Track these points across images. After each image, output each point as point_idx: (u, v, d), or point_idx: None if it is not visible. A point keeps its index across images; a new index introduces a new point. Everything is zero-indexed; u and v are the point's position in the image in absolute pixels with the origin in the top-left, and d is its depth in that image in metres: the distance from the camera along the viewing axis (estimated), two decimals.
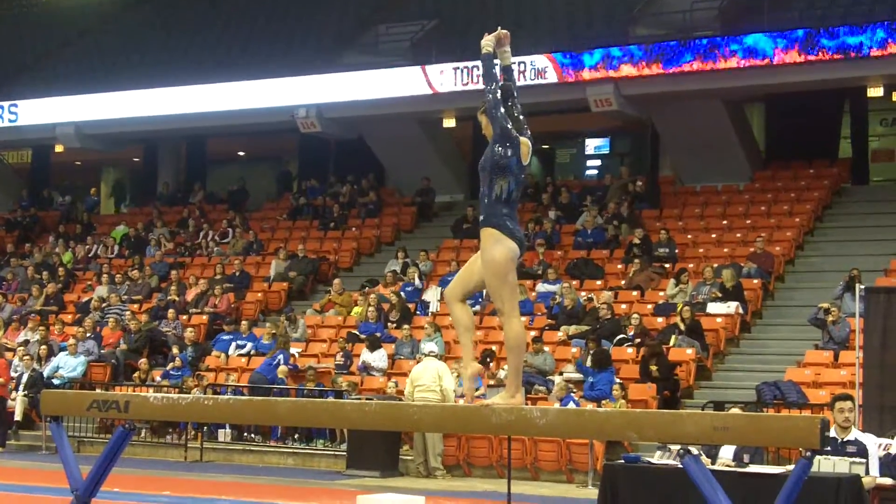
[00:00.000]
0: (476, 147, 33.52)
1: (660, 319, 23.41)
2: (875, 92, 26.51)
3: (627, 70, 26.71)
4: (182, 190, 36.30)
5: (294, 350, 24.40)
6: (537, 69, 27.09)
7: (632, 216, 27.69)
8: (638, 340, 22.39)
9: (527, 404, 18.60)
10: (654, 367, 20.94)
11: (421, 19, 31.35)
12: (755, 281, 24.45)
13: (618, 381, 20.61)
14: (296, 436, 22.44)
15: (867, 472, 12.04)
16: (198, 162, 37.83)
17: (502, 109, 8.13)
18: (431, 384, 19.63)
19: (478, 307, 25.03)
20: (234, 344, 25.48)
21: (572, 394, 20.27)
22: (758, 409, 18.98)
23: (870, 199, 28.20)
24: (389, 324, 25.16)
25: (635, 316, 23.01)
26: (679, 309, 22.90)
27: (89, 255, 32.54)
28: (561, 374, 21.56)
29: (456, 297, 8.31)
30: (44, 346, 25.86)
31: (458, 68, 27.97)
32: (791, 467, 8.89)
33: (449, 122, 30.24)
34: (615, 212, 27.94)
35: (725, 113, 27.88)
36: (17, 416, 24.37)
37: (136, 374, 24.85)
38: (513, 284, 8.09)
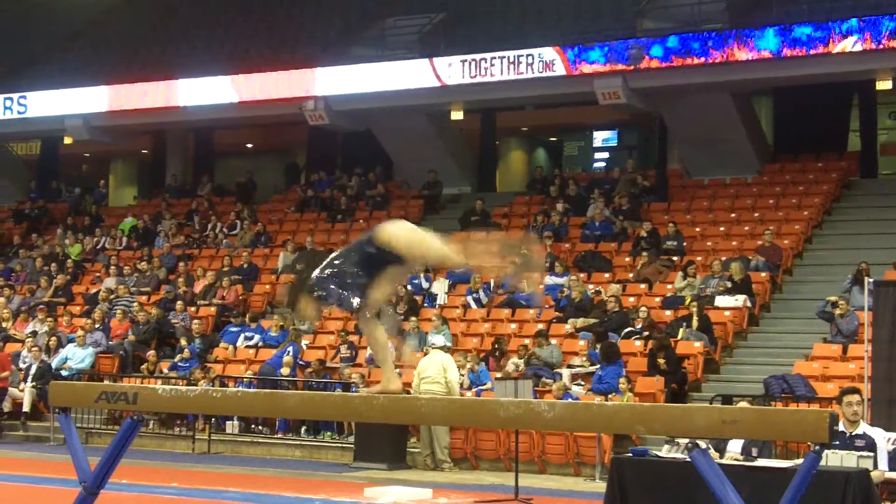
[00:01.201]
0: (484, 140, 33.60)
1: (668, 312, 23.41)
2: (884, 85, 26.47)
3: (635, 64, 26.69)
4: (190, 182, 36.33)
5: (301, 342, 24.46)
6: (545, 62, 27.05)
7: (633, 210, 27.66)
8: (646, 334, 22.37)
9: (535, 398, 18.68)
10: (661, 360, 20.94)
11: (429, 12, 31.32)
12: (763, 274, 24.43)
13: (624, 374, 20.60)
14: (303, 429, 22.45)
15: (875, 466, 12.03)
16: (206, 154, 37.86)
17: None
18: (436, 376, 19.69)
19: (485, 299, 25.12)
20: (242, 336, 25.51)
21: (570, 392, 20.26)
22: (766, 402, 18.96)
23: (878, 192, 28.16)
24: (398, 313, 25.16)
25: (643, 309, 23.01)
26: (687, 303, 22.91)
27: (97, 247, 32.59)
28: (569, 366, 21.55)
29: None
30: (52, 338, 25.91)
31: (466, 61, 27.94)
32: (799, 461, 8.88)
33: (457, 115, 30.23)
34: (621, 205, 27.93)
35: (733, 106, 27.84)
36: (26, 408, 24.44)
37: (144, 366, 24.89)
38: None
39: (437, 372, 19.77)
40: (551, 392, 20.18)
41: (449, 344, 21.02)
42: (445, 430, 20.06)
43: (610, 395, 19.91)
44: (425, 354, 21.04)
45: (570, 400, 19.57)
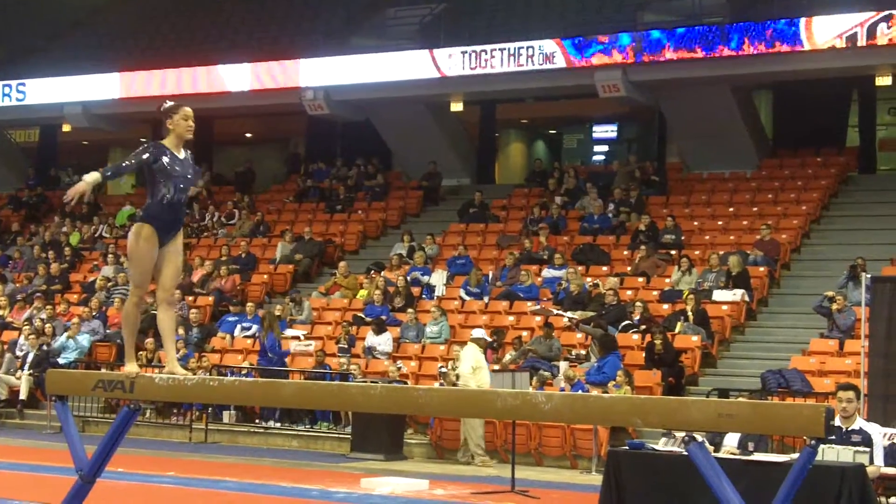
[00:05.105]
0: (484, 131, 33.57)
1: (665, 306, 23.39)
2: (883, 81, 26.44)
3: (635, 56, 26.66)
4: None
5: (300, 332, 24.44)
6: (545, 54, 27.03)
7: (638, 203, 27.65)
8: (643, 327, 22.36)
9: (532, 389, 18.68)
10: (658, 342, 20.83)
11: (430, 3, 31.31)
12: (761, 269, 24.42)
13: (622, 366, 20.57)
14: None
15: (871, 462, 12.03)
16: (205, 143, 37.77)
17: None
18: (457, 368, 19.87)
19: (486, 298, 25.10)
20: (239, 325, 25.49)
21: (580, 381, 20.25)
22: (762, 397, 18.96)
23: (876, 188, 28.16)
24: (395, 307, 25.13)
25: (640, 302, 22.99)
26: (685, 296, 22.89)
27: (95, 235, 32.55)
28: (566, 360, 21.46)
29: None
30: (48, 325, 25.89)
31: (467, 52, 27.93)
32: (796, 456, 8.88)
33: (456, 106, 30.22)
34: (621, 198, 27.92)
35: (733, 100, 27.82)
36: (23, 395, 24.43)
37: (141, 355, 24.84)
38: None
39: (456, 363, 19.96)
40: (552, 384, 20.18)
41: (486, 338, 20.56)
42: (480, 423, 19.75)
43: (607, 387, 19.85)
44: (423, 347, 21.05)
45: (581, 390, 19.57)
